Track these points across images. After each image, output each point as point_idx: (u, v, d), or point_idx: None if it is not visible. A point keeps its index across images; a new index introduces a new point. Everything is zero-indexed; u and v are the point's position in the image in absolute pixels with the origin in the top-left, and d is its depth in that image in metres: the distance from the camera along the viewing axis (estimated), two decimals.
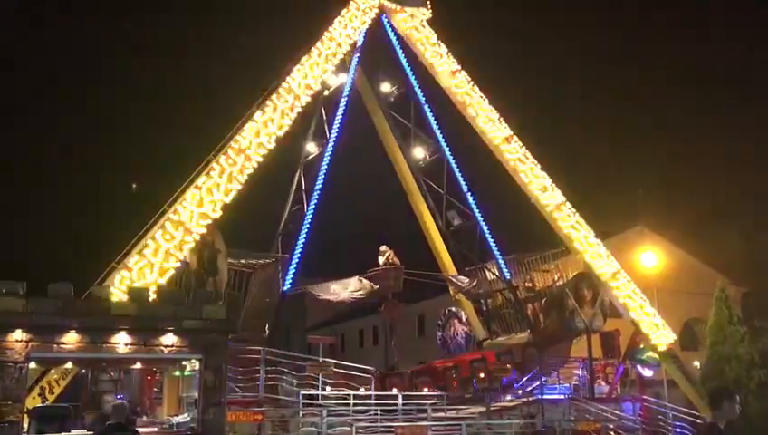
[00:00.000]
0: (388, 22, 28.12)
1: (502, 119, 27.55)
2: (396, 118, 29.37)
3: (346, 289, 24.93)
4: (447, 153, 28.29)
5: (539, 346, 25.41)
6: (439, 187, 28.76)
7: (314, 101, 25.35)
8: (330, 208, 25.95)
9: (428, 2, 28.10)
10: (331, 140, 25.71)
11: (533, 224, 28.38)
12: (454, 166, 28.18)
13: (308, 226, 24.38)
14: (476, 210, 27.97)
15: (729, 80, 68.33)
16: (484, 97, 27.61)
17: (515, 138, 27.47)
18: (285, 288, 23.49)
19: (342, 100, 26.49)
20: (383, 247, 26.66)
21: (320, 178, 25.12)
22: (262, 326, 22.14)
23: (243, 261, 23.05)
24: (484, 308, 29.40)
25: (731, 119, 63.45)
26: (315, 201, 24.69)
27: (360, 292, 25.17)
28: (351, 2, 25.78)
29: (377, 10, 26.88)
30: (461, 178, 28.18)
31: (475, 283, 28.44)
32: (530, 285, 28.06)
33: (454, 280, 28.84)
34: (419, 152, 29.30)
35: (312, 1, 29.16)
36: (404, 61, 28.60)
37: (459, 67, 27.66)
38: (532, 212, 27.34)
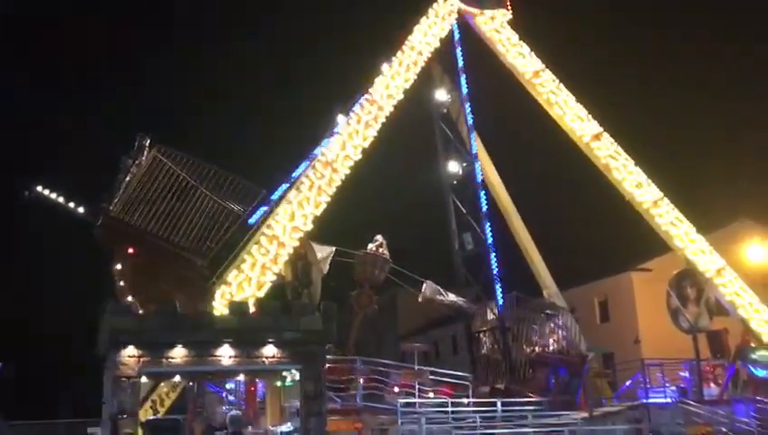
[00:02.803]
0: (459, 28, 27.56)
1: (590, 116, 26.88)
2: (442, 129, 28.58)
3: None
4: (478, 172, 26.89)
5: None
6: (462, 206, 27.48)
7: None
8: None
9: (508, 3, 27.75)
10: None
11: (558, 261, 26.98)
12: (480, 186, 26.62)
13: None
14: (490, 237, 25.99)
15: None
16: (571, 95, 27.02)
17: (606, 134, 26.73)
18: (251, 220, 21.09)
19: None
20: (378, 236, 24.39)
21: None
22: None
23: None
24: (476, 351, 26.73)
25: None
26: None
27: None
28: (430, 9, 25.82)
29: (456, 15, 26.80)
30: (484, 200, 26.50)
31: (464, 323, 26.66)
32: (539, 348, 25.00)
33: (439, 292, 25.78)
34: (454, 166, 28.18)
35: (393, 10, 29.30)
36: (462, 68, 27.78)
37: (543, 66, 27.19)
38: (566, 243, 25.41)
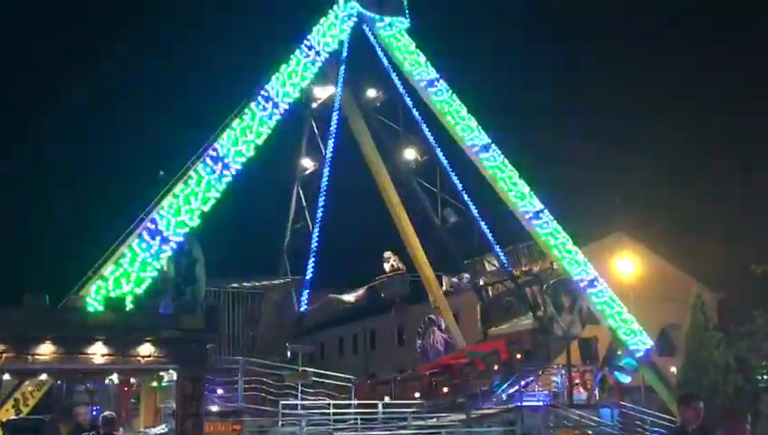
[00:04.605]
0: (369, 29, 28.10)
1: (480, 127, 27.72)
2: (384, 123, 29.38)
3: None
4: (439, 153, 28.31)
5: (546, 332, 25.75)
6: (431, 187, 29.04)
7: (303, 114, 27.52)
8: (328, 221, 26.18)
9: (407, 11, 28.19)
10: (328, 156, 26.50)
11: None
12: (446, 165, 28.28)
13: (316, 244, 25.06)
14: (472, 207, 28.22)
15: (706, 87, 69.43)
16: (463, 106, 27.78)
17: (494, 146, 27.66)
18: (303, 309, 24.29)
19: (334, 115, 26.98)
20: (387, 254, 27.48)
21: (321, 195, 25.86)
22: (283, 350, 22.94)
23: (255, 284, 23.51)
24: (486, 297, 29.52)
25: (708, 126, 64.41)
26: (319, 220, 25.44)
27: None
28: (330, 11, 25.80)
29: (356, 19, 26.93)
30: (455, 177, 28.31)
31: (470, 279, 28.99)
32: (526, 269, 28.27)
33: (452, 281, 29.51)
34: (410, 154, 29.35)
35: (292, 9, 29.23)
36: (388, 65, 28.59)
37: (438, 76, 27.81)
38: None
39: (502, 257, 28.39)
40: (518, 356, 24.56)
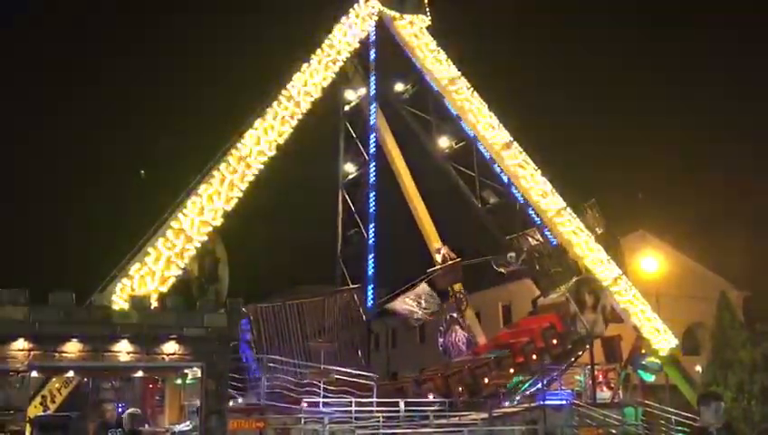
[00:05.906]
0: (390, 26, 28.15)
1: (501, 125, 27.62)
2: (415, 114, 29.80)
3: (419, 302, 26.13)
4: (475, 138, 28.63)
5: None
6: (469, 171, 29.46)
7: (336, 117, 28.90)
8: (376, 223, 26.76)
9: (427, 9, 28.15)
10: (372, 164, 27.28)
11: None
12: (482, 148, 28.45)
13: (373, 252, 25.82)
14: (513, 187, 28.55)
15: (729, 82, 68.49)
16: (484, 103, 27.69)
17: (515, 143, 27.55)
18: (370, 316, 24.91)
19: (371, 116, 27.84)
20: (437, 245, 27.89)
21: (371, 200, 26.71)
22: (355, 355, 23.67)
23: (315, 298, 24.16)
24: (534, 270, 29.77)
25: (731, 121, 63.53)
26: (372, 225, 26.19)
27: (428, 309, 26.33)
28: (351, 10, 25.84)
29: (376, 17, 26.96)
30: (490, 160, 28.61)
31: (520, 256, 29.17)
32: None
33: (504, 262, 29.64)
34: (444, 142, 29.57)
35: (313, 8, 29.34)
36: (414, 59, 28.75)
37: (459, 74, 27.74)
38: None
39: (545, 232, 28.67)
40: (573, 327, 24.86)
